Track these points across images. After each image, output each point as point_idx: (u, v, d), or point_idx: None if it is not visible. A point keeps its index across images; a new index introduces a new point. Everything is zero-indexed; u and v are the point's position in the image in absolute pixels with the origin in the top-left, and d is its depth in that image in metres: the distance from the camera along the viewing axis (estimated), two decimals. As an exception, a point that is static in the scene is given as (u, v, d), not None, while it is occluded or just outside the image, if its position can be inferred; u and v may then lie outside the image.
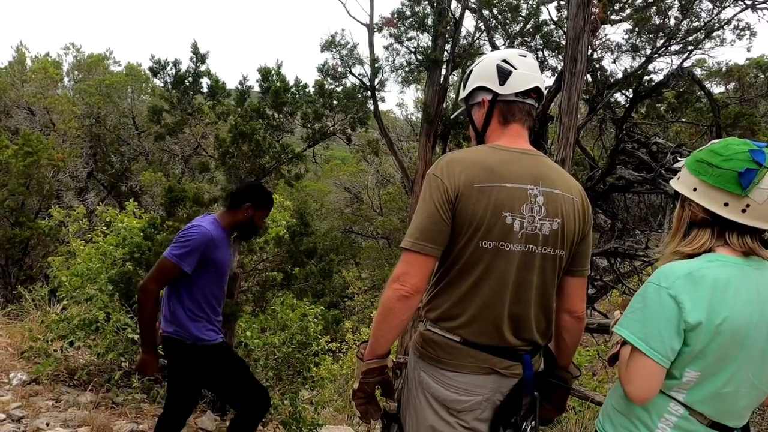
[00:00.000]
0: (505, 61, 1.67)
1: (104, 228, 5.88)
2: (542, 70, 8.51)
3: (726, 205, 1.36)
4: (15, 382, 4.35)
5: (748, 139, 1.42)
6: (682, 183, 1.46)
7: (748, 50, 8.43)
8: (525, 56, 1.71)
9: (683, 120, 8.34)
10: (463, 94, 1.78)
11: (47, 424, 3.70)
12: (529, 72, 1.67)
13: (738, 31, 7.55)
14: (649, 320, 1.34)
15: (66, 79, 17.50)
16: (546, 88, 8.98)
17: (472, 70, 1.75)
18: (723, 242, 1.39)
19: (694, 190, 1.41)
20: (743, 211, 1.35)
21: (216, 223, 2.63)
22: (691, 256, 1.41)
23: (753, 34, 7.53)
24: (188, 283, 2.57)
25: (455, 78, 9.24)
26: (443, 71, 8.55)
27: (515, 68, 1.66)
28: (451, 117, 2.01)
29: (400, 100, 31.35)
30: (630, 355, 1.39)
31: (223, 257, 2.63)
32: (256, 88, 5.01)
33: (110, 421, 3.94)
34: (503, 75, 1.65)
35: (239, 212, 2.66)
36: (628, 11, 7.61)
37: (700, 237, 1.41)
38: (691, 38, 7.44)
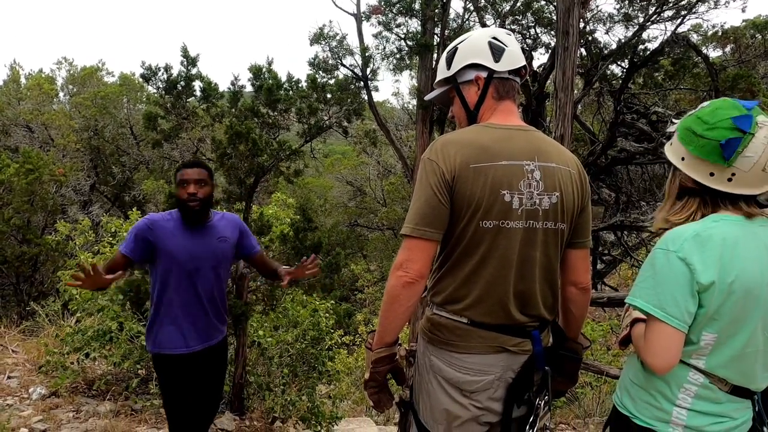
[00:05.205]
0: (495, 38, 1.66)
1: (110, 238, 5.91)
2: (536, 48, 8.44)
3: (712, 175, 1.35)
4: (35, 396, 4.40)
5: (740, 100, 1.38)
6: (673, 151, 1.45)
7: (743, 11, 8.33)
8: (510, 35, 1.71)
9: (681, 87, 8.25)
10: (447, 73, 1.72)
11: (69, 436, 3.74)
12: (517, 50, 1.67)
13: (731, -9, 7.43)
14: (661, 286, 1.32)
15: (61, 94, 17.53)
16: (541, 65, 8.86)
17: (456, 48, 1.71)
18: (719, 207, 1.38)
19: (682, 159, 1.41)
20: (729, 180, 1.33)
21: (174, 213, 2.54)
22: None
23: (747, -6, 7.41)
24: (153, 279, 2.49)
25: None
26: (435, 55, 8.49)
27: (507, 46, 1.65)
28: (425, 98, 1.97)
29: (395, 89, 31.16)
30: (647, 324, 1.37)
31: (176, 245, 2.44)
32: (249, 88, 5.00)
33: (131, 428, 3.99)
34: (497, 52, 1.63)
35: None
36: (618, -20, 7.51)
37: (689, 206, 1.41)
38: (683, 2, 7.34)
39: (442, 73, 1.75)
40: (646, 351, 1.37)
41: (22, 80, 16.95)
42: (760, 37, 8.68)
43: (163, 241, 2.43)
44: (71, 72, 17.70)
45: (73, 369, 4.72)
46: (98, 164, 15.23)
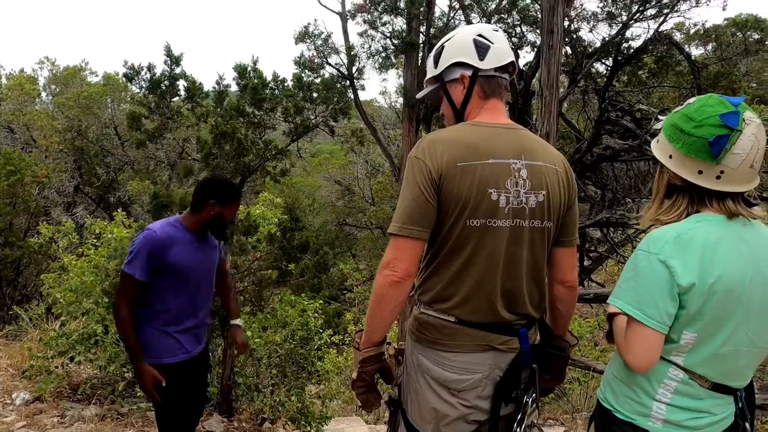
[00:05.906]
0: (480, 35, 1.65)
1: (94, 240, 5.82)
2: (521, 46, 8.49)
3: (700, 172, 1.35)
4: (18, 401, 4.32)
5: (725, 96, 1.38)
6: (660, 149, 1.45)
7: (724, 9, 8.46)
8: (497, 31, 1.70)
9: (665, 85, 8.35)
10: (435, 72, 1.72)
11: (54, 441, 3.68)
12: (504, 46, 1.66)
13: (711, -11, 7.53)
14: (641, 288, 1.33)
15: (43, 94, 17.25)
16: (527, 63, 8.92)
17: (443, 47, 1.70)
18: (704, 205, 1.38)
19: (670, 157, 1.40)
20: (718, 177, 1.33)
21: (175, 224, 2.46)
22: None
23: (727, -8, 7.51)
24: (147, 291, 2.41)
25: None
26: (420, 54, 8.51)
27: (492, 42, 1.64)
28: (417, 97, 1.99)
29: (383, 88, 31.24)
30: (627, 325, 1.38)
31: (186, 260, 2.41)
32: (234, 87, 4.96)
33: (117, 432, 3.93)
34: (482, 49, 1.63)
35: (204, 212, 2.44)
36: (601, -21, 7.57)
37: (679, 203, 1.41)
38: (666, 1, 7.43)
39: (430, 71, 1.75)
40: (626, 350, 1.38)
41: (3, 80, 16.67)
42: (740, 35, 8.83)
43: (173, 256, 2.36)
44: (53, 72, 17.43)
45: (57, 373, 4.64)
46: (82, 165, 15.00)
